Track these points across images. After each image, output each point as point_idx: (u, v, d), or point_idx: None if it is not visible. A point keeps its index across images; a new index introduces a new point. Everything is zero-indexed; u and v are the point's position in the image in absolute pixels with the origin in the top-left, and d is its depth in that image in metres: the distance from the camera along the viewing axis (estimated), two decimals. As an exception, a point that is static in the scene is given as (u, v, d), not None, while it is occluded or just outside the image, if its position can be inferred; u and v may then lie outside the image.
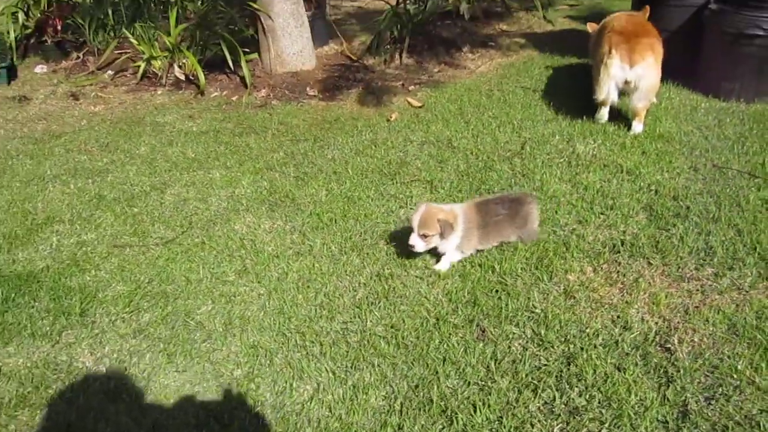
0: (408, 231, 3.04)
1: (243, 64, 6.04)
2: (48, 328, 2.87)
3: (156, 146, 4.88)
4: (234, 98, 6.03)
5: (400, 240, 3.16)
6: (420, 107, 5.25)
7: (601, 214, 3.33)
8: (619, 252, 3.03)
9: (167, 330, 2.78)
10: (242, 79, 6.25)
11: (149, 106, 5.98)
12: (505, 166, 3.94)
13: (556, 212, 3.37)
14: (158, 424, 2.30)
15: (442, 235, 2.91)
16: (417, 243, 2.93)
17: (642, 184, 3.60)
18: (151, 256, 3.33)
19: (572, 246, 3.08)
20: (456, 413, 2.22)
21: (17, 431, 2.34)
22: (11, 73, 7.03)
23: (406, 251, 3.03)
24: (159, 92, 6.44)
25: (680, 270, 2.90)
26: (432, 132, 4.65)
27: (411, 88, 5.90)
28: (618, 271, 2.91)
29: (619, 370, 2.33)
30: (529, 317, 2.66)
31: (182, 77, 6.57)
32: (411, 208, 3.29)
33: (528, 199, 3.18)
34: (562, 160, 3.96)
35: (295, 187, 3.96)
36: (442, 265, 3.09)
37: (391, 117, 5.04)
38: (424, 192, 3.73)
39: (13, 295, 3.09)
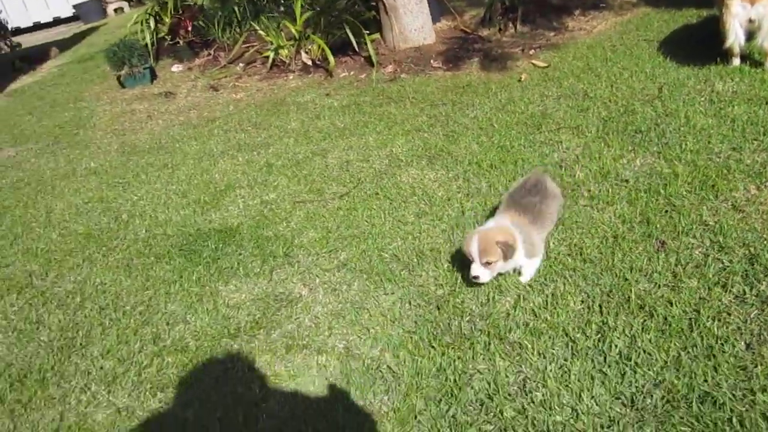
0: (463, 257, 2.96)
1: (368, 44, 6.37)
2: (259, 269, 3.25)
3: (305, 121, 5.26)
4: (362, 76, 6.37)
5: (557, 178, 3.38)
6: (546, 67, 5.43)
7: (754, 140, 3.44)
8: None
9: (366, 263, 3.11)
10: (367, 58, 6.59)
11: (285, 89, 6.41)
12: (647, 109, 4.10)
13: (709, 142, 3.50)
14: (379, 336, 2.62)
15: (505, 257, 2.68)
16: (482, 273, 2.70)
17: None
18: (331, 208, 3.68)
19: (733, 168, 3.22)
20: (654, 308, 2.44)
21: (257, 348, 2.71)
22: (153, 74, 7.62)
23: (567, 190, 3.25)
24: (290, 77, 6.88)
25: None
26: (565, 87, 4.84)
27: (531, 52, 6.08)
28: None
29: None
30: (704, 229, 2.84)
31: (309, 62, 6.99)
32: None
33: (538, 179, 3.03)
34: (702, 98, 4.08)
35: (447, 143, 4.24)
36: (526, 277, 2.89)
37: (521, 77, 5.25)
38: (573, 137, 3.93)
39: (220, 245, 3.51)
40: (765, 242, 2.64)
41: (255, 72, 7.34)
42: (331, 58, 6.43)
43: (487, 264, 2.65)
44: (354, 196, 3.72)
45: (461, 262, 2.86)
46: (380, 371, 2.40)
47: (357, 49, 6.64)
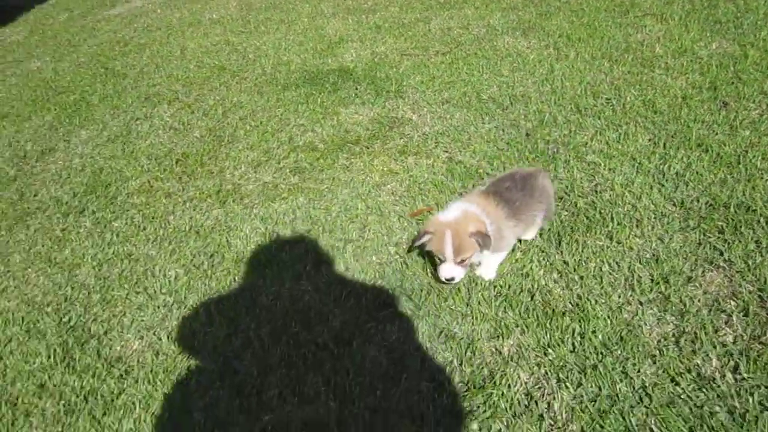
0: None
1: None
2: (373, 100, 3.86)
3: None
4: None
5: (638, 53, 3.87)
6: None
7: None
8: None
9: (466, 101, 3.69)
10: None
11: None
12: (729, 4, 4.48)
13: None
14: (477, 150, 3.22)
15: (481, 248, 2.25)
16: (456, 273, 2.28)
17: None
18: (434, 61, 4.24)
19: None
20: (710, 146, 2.98)
21: (376, 151, 3.35)
22: None
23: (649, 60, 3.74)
24: None
25: None
26: None
27: None
28: None
29: None
30: (763, 97, 3.32)
31: None
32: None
33: (535, 174, 2.54)
34: None
35: (540, 20, 4.72)
36: (488, 272, 2.50)
37: None
38: (656, 23, 4.35)
39: (338, 81, 4.12)
40: None
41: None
42: None
43: (462, 261, 2.26)
44: (455, 54, 4.26)
45: (547, 104, 3.42)
46: (478, 173, 3.01)
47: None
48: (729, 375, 1.88)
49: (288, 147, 3.34)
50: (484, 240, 2.18)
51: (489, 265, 2.43)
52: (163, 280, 2.51)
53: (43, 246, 2.85)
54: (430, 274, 2.34)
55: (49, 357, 2.24)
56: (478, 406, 1.87)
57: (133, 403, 2.01)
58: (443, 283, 2.31)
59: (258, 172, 3.17)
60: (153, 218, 2.91)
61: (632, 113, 3.25)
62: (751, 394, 1.81)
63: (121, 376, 2.11)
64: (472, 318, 2.16)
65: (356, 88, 3.86)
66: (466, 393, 1.92)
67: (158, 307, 2.39)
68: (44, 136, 3.81)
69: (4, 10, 7.27)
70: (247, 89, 4.04)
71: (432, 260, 2.32)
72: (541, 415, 1.84)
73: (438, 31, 4.61)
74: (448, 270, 2.24)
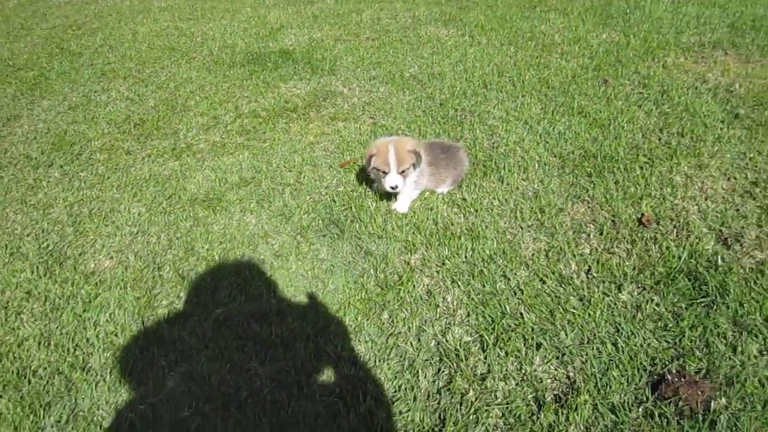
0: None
1: None
2: (309, 77, 4.40)
3: None
4: None
5: (540, 41, 4.53)
6: None
7: (694, 28, 4.56)
8: (704, 46, 4.30)
9: (390, 78, 4.24)
10: None
11: None
12: (621, 3, 5.20)
13: (660, 27, 4.61)
14: (397, 116, 3.78)
15: (414, 167, 2.69)
16: (398, 181, 2.68)
17: (728, 12, 4.79)
18: (364, 46, 4.81)
19: (671, 43, 4.37)
20: (588, 113, 3.63)
21: (311, 117, 3.88)
22: None
23: (547, 46, 4.40)
24: None
25: (747, 57, 4.17)
26: None
27: None
28: (702, 57, 4.19)
29: (698, 99, 3.67)
30: (637, 76, 3.99)
31: None
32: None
33: (455, 145, 3.06)
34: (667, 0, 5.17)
35: (460, 12, 5.34)
36: (402, 206, 2.95)
37: None
38: (558, 16, 5.02)
39: (279, 61, 4.65)
40: (678, 85, 3.79)
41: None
42: None
43: (402, 173, 2.65)
44: (383, 40, 4.83)
45: (459, 81, 4.02)
46: (397, 133, 3.58)
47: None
48: (583, 275, 2.47)
49: (234, 114, 3.83)
50: (417, 157, 2.62)
51: (402, 201, 2.90)
52: (128, 216, 2.99)
53: (17, 192, 3.27)
54: (353, 208, 2.89)
55: (33, 272, 2.69)
56: (389, 301, 2.42)
57: (108, 303, 2.49)
58: (389, 191, 2.73)
59: (208, 134, 3.66)
60: (116, 170, 3.36)
61: (529, 88, 3.86)
62: (597, 287, 2.40)
63: (96, 284, 2.59)
64: (387, 239, 2.71)
65: (295, 67, 4.37)
66: (380, 292, 2.47)
67: (125, 235, 2.86)
68: (8, 105, 4.21)
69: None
70: (196, 67, 4.51)
71: (371, 183, 2.89)
72: (437, 305, 2.40)
73: (369, 21, 5.16)
74: (392, 179, 2.63)
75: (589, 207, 2.74)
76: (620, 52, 4.14)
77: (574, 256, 2.50)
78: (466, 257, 2.54)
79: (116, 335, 2.29)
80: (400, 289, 2.40)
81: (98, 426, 1.99)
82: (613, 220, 2.65)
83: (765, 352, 2.01)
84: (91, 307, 2.43)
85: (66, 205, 3.06)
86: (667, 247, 2.44)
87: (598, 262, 2.44)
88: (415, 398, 2.00)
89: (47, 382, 2.15)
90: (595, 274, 2.40)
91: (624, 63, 3.99)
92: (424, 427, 1.89)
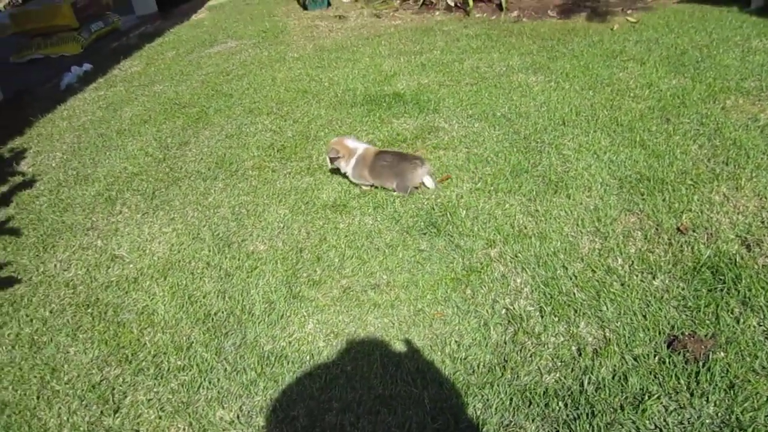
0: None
1: None
2: (417, 114, 5.25)
3: (448, 41, 7.24)
4: (492, 18, 8.24)
5: (616, 86, 5.25)
6: (635, 22, 7.14)
7: (757, 75, 5.17)
8: (762, 90, 4.86)
9: (484, 117, 5.01)
10: (498, 5, 8.46)
11: (432, 21, 8.38)
12: (695, 52, 5.78)
13: (726, 74, 5.18)
14: (488, 147, 4.60)
15: (332, 160, 3.93)
16: (327, 160, 4.03)
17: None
18: (464, 90, 5.65)
19: (732, 88, 4.98)
20: (649, 144, 4.35)
21: (418, 146, 4.78)
22: (328, 2, 9.79)
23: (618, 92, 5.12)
24: (436, 14, 8.82)
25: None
26: (644, 36, 6.55)
27: (628, 11, 7.78)
28: (759, 100, 4.70)
29: (746, 134, 4.23)
30: (696, 116, 4.62)
31: (452, 4, 8.88)
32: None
33: (413, 160, 3.86)
34: (737, 48, 5.72)
35: (548, 62, 6.12)
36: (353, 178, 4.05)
37: (614, 27, 7.03)
38: (635, 65, 5.69)
39: (392, 102, 5.56)
40: (731, 123, 4.41)
41: (408, 8, 9.31)
42: (470, 2, 8.35)
43: (331, 160, 4.01)
44: (480, 85, 5.67)
45: (542, 119, 4.80)
46: (486, 160, 4.38)
47: (491, -3, 8.48)
48: (626, 267, 3.19)
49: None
50: (331, 153, 3.99)
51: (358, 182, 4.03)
52: (275, 215, 3.93)
53: (193, 197, 4.30)
54: (448, 214, 3.73)
55: (209, 251, 3.66)
56: (472, 281, 3.19)
57: (264, 273, 3.42)
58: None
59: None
60: (265, 183, 4.34)
61: (601, 125, 4.59)
62: (636, 276, 3.11)
63: (255, 260, 3.50)
64: (473, 237, 3.49)
65: (405, 107, 5.27)
66: (465, 274, 3.28)
67: (274, 229, 3.80)
68: (179, 134, 5.33)
69: (127, 47, 8.96)
70: (324, 106, 5.50)
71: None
72: (509, 284, 3.18)
73: (469, 69, 6.03)
74: (327, 158, 4.02)
75: (638, 218, 3.45)
76: (686, 96, 4.78)
77: (621, 254, 3.21)
78: (534, 252, 3.30)
79: (270, 293, 3.20)
80: (480, 273, 3.19)
81: (261, 348, 2.88)
82: (656, 228, 3.34)
83: (762, 324, 2.67)
84: (253, 275, 3.35)
85: (229, 207, 4.04)
86: (698, 248, 3.13)
87: (639, 258, 3.15)
88: (486, 345, 2.78)
89: (224, 320, 3.07)
90: (636, 267, 3.10)
91: (687, 105, 4.63)
92: (492, 363, 2.67)
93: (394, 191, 3.89)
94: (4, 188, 4.96)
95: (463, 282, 3.09)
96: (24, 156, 5.57)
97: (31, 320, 3.27)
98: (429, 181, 3.89)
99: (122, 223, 4.02)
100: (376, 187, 3.96)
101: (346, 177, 4.05)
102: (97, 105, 6.70)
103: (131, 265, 3.56)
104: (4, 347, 3.11)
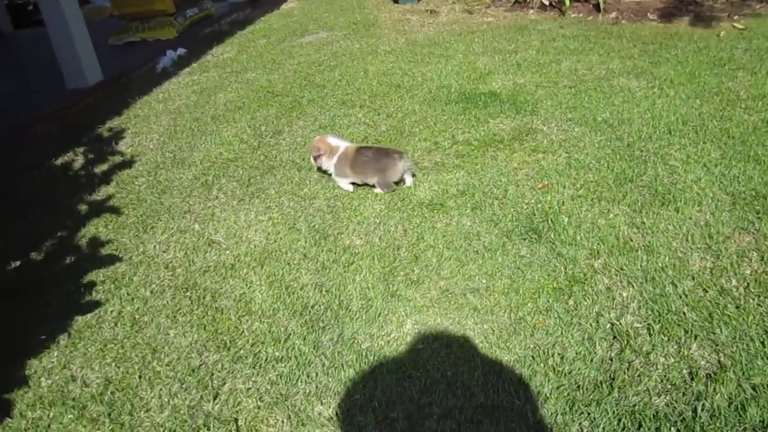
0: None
1: None
2: (514, 115, 5.13)
3: (543, 41, 7.07)
4: (589, 18, 8.01)
5: (725, 96, 4.99)
6: (743, 29, 6.81)
7: None
8: None
9: (584, 121, 4.85)
10: (595, 5, 8.21)
11: (525, 20, 8.20)
12: None
13: None
14: (589, 153, 4.46)
15: (316, 158, 4.04)
16: (312, 159, 4.12)
17: None
18: (562, 93, 5.48)
19: None
20: (764, 159, 4.12)
21: (516, 148, 4.64)
22: None
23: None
24: (530, 13, 8.64)
25: None
26: (754, 44, 6.22)
27: (735, 17, 7.42)
28: None
29: None
30: None
31: (546, 3, 8.69)
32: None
33: (394, 154, 3.91)
34: None
35: (651, 67, 5.87)
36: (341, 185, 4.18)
37: (720, 34, 6.71)
38: (746, 74, 5.41)
39: (488, 101, 5.46)
40: None
41: (500, 5, 9.16)
42: (567, 1, 8.14)
43: (314, 158, 4.14)
44: (578, 88, 5.50)
45: (646, 126, 4.62)
46: (588, 166, 4.24)
47: (588, -3, 8.24)
48: (741, 289, 3.03)
49: (451, 141, 4.67)
50: (313, 151, 4.13)
51: (337, 182, 4.14)
52: (372, 210, 3.89)
53: (288, 186, 4.32)
54: (549, 221, 3.62)
55: (306, 242, 3.66)
56: (575, 292, 3.10)
57: (361, 268, 3.39)
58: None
59: (430, 155, 4.53)
60: None
61: (710, 136, 4.39)
62: (753, 299, 2.95)
63: (352, 254, 3.48)
64: (575, 246, 3.37)
65: (501, 107, 5.16)
66: (567, 284, 3.17)
67: (370, 224, 3.76)
68: (273, 123, 5.36)
69: (219, 33, 9.12)
70: (418, 102, 5.44)
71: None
72: (614, 298, 3.06)
73: (567, 71, 5.87)
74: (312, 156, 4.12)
75: (753, 237, 3.27)
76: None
77: (736, 274, 3.05)
78: (641, 266, 3.17)
79: (367, 289, 3.17)
80: (584, 284, 3.09)
81: (359, 346, 2.85)
82: (774, 250, 3.16)
83: None
84: (350, 269, 3.33)
85: (325, 199, 4.03)
86: (822, 273, 2.93)
87: (756, 281, 2.98)
88: (591, 360, 2.67)
89: (321, 314, 3.05)
90: (753, 290, 2.94)
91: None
92: (598, 380, 2.57)
93: (375, 188, 4.01)
94: (105, 166, 5.05)
95: (566, 292, 2.98)
96: (122, 136, 5.69)
97: (132, 299, 3.28)
98: (409, 179, 4.04)
99: (218, 209, 4.05)
100: (359, 185, 4.12)
101: (330, 176, 4.14)
102: (192, 89, 6.81)
103: (228, 252, 3.57)
104: (107, 324, 3.13)
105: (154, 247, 3.74)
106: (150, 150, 5.23)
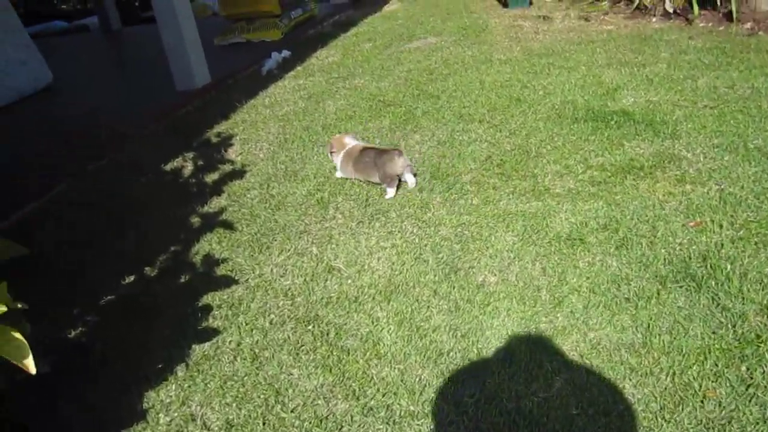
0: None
1: (732, 1, 7.37)
2: (651, 138, 4.69)
3: (673, 53, 6.54)
4: (720, 28, 7.40)
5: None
6: None
7: None
8: None
9: (732, 148, 4.37)
10: (725, 14, 7.58)
11: (649, 29, 7.66)
12: None
13: None
14: (744, 187, 3.98)
15: (331, 153, 4.43)
16: (330, 155, 4.48)
17: None
18: (703, 114, 4.96)
19: None
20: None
21: (657, 178, 4.20)
22: (530, 0, 9.27)
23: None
24: (652, 20, 8.08)
25: None
26: None
27: None
28: None
29: None
30: None
31: (670, 10, 8.11)
32: None
33: (393, 152, 4.12)
34: None
35: None
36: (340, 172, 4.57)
37: None
38: None
39: (620, 120, 5.02)
40: None
41: (619, 11, 8.64)
42: (695, 8, 7.55)
43: (330, 153, 4.46)
44: (722, 109, 4.99)
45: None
46: (746, 203, 3.78)
47: (716, 5, 7.64)
48: None
49: (584, 165, 4.30)
50: (328, 147, 4.63)
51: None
52: (503, 242, 3.58)
53: (410, 209, 4.05)
54: (708, 267, 3.21)
55: (434, 275, 3.39)
56: (747, 355, 2.72)
57: (498, 311, 3.09)
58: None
59: (562, 180, 4.16)
60: (486, 202, 3.99)
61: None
62: None
63: (486, 294, 3.19)
64: (743, 300, 2.98)
65: (636, 128, 4.74)
66: (738, 345, 2.77)
67: (503, 258, 3.46)
68: (387, 136, 5.10)
69: (322, 35, 8.97)
70: (542, 118, 5.08)
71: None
72: None
73: (705, 88, 5.37)
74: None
75: None
76: None
77: None
78: None
79: (508, 337, 2.86)
80: (758, 347, 2.68)
81: (504, 406, 2.53)
82: None
83: None
84: (486, 312, 3.03)
85: (451, 226, 3.74)
86: None
87: None
88: None
89: (458, 364, 2.77)
90: None
91: None
92: None
93: (381, 185, 4.26)
94: (215, 175, 4.93)
95: (736, 355, 2.60)
96: (231, 142, 5.57)
97: (251, 330, 3.10)
98: (411, 179, 4.27)
99: (336, 230, 3.83)
100: (361, 181, 4.40)
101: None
102: (299, 95, 6.67)
103: (350, 281, 3.34)
104: (226, 357, 2.96)
105: (271, 270, 3.55)
106: (260, 160, 5.07)
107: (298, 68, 7.76)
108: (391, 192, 4.14)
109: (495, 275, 3.26)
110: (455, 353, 2.80)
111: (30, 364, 2.02)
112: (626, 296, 3.02)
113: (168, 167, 5.26)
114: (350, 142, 4.34)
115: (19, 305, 2.34)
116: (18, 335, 2.07)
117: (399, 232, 3.75)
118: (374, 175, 4.12)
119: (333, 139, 4.45)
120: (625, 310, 2.93)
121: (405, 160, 4.08)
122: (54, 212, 4.77)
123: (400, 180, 4.15)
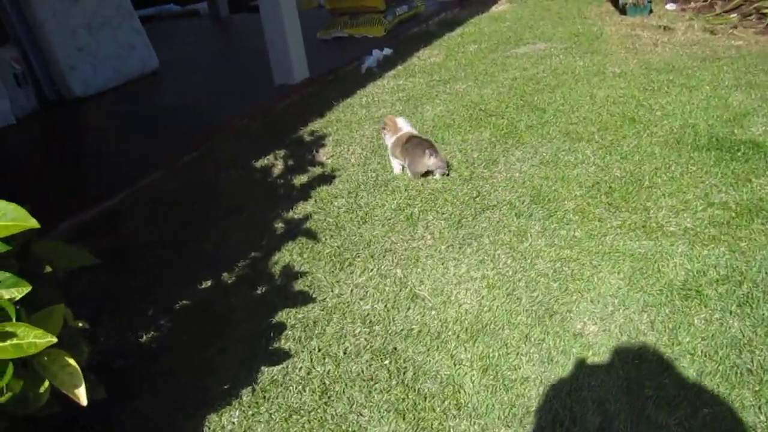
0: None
1: None
2: None
3: None
4: None
5: None
6: None
7: None
8: None
9: None
10: None
11: None
12: None
13: None
14: None
15: (383, 129, 4.63)
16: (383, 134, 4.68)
17: None
18: None
19: None
20: None
21: None
22: (651, 8, 8.62)
23: None
24: None
25: None
26: None
27: None
28: None
29: None
30: None
31: None
32: None
33: (426, 150, 4.32)
34: None
35: None
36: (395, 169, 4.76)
37: None
38: None
39: (748, 151, 4.48)
40: None
41: (750, 25, 7.92)
42: None
43: (382, 130, 4.68)
44: None
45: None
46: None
47: None
48: None
49: (704, 202, 3.83)
50: (382, 128, 4.81)
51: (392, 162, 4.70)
52: (608, 286, 3.20)
53: (505, 236, 3.71)
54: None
55: (527, 317, 3.05)
56: None
57: (597, 372, 2.72)
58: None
59: (678, 217, 3.72)
60: (591, 236, 3.60)
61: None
62: None
63: (583, 345, 2.85)
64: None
65: (767, 162, 4.21)
66: None
67: (606, 305, 3.08)
68: (486, 149, 4.77)
69: (426, 34, 8.66)
70: (658, 143, 4.61)
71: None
72: None
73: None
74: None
75: None
76: None
77: None
78: None
79: (608, 404, 2.49)
80: None
81: None
82: None
83: None
84: (583, 370, 2.66)
85: (549, 260, 3.38)
86: None
87: None
88: None
89: (550, 421, 2.41)
90: None
91: None
92: None
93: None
94: (304, 178, 4.77)
95: None
96: (323, 143, 5.39)
97: (324, 357, 2.88)
98: (438, 174, 4.52)
99: (424, 252, 3.55)
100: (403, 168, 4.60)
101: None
102: (396, 97, 6.42)
103: (434, 312, 3.06)
104: (294, 385, 2.76)
105: (351, 291, 3.32)
106: (351, 165, 4.85)
107: (399, 68, 7.51)
108: (396, 170, 4.68)
109: (596, 324, 2.91)
110: (546, 416, 2.50)
111: (81, 395, 1.90)
112: (749, 367, 2.61)
113: (258, 164, 5.14)
114: (403, 126, 4.52)
115: (80, 324, 2.18)
116: (72, 362, 1.91)
117: (491, 261, 3.43)
118: (406, 163, 4.46)
119: (387, 118, 4.65)
120: (747, 384, 2.54)
121: (437, 161, 4.27)
122: (140, 205, 4.71)
123: (429, 172, 4.37)
